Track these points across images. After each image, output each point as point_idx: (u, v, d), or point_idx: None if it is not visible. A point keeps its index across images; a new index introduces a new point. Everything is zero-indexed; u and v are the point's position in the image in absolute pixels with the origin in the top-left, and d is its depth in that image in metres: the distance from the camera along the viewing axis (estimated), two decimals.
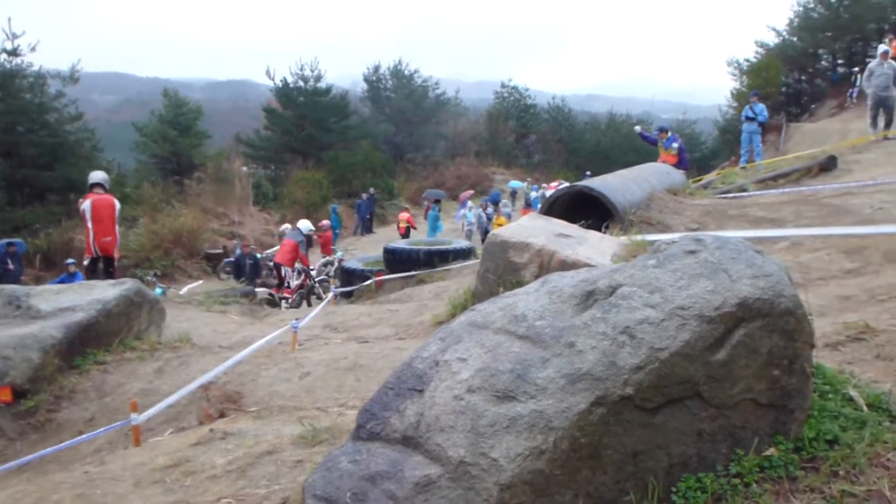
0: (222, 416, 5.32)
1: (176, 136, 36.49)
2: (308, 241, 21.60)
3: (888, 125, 17.52)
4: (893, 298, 5.48)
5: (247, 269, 19.59)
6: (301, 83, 44.24)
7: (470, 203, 29.91)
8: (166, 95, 38.24)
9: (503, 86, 60.76)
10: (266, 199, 36.61)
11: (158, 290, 16.68)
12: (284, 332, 7.73)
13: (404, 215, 28.25)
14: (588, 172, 33.83)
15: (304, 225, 18.21)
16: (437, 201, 29.05)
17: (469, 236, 25.65)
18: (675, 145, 16.84)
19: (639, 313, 2.65)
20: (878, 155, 15.10)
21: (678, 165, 15.93)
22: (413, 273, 13.05)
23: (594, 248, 7.33)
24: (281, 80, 44.63)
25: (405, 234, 26.35)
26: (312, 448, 3.80)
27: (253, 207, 34.41)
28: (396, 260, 13.86)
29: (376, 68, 54.27)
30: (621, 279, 2.88)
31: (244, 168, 38.93)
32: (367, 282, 13.80)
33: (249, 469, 3.67)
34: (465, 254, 13.74)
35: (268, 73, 44.52)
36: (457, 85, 62.14)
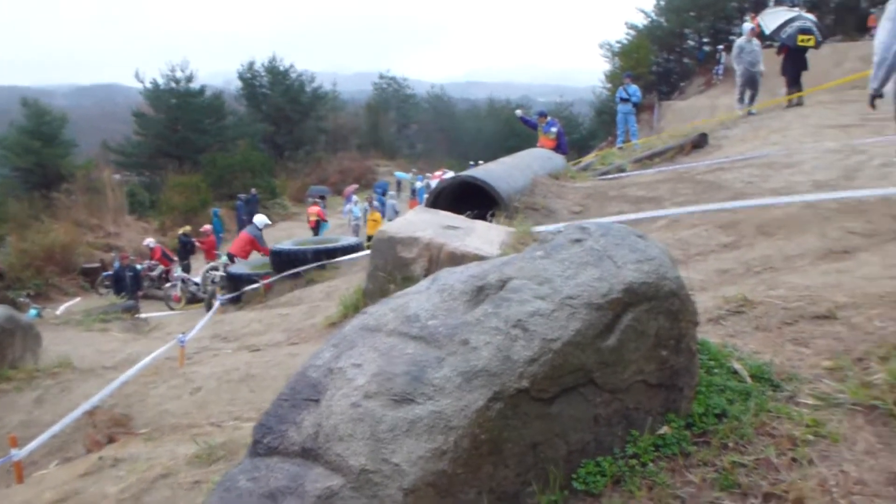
0: (111, 441, 5.13)
1: (40, 146, 34.97)
2: (191, 247, 21.01)
3: (752, 100, 18.31)
4: (768, 270, 5.74)
5: (127, 282, 18.94)
6: (173, 84, 43.00)
7: (355, 198, 29.75)
8: (26, 105, 36.52)
9: (381, 77, 60.73)
10: (142, 208, 35.52)
11: (33, 312, 15.95)
12: (171, 347, 7.50)
13: (314, 209, 27.78)
14: (472, 162, 34.17)
15: (260, 219, 17.97)
16: (322, 197, 28.77)
17: (356, 231, 25.53)
18: (554, 129, 17.09)
19: (530, 306, 2.67)
20: (746, 130, 15.78)
21: (557, 149, 16.19)
22: (300, 269, 12.86)
23: (482, 237, 7.39)
24: (151, 83, 43.29)
25: (315, 228, 25.91)
26: (209, 467, 3.69)
27: (129, 217, 33.27)
28: (283, 261, 13.62)
29: (251, 65, 53.07)
30: (511, 272, 2.89)
31: (116, 176, 37.49)
32: (255, 286, 13.52)
33: (144, 495, 3.53)
34: (353, 250, 13.64)
35: (137, 75, 43.14)
36: (334, 78, 61.50)
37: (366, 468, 2.38)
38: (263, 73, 53.13)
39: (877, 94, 5.95)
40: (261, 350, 7.28)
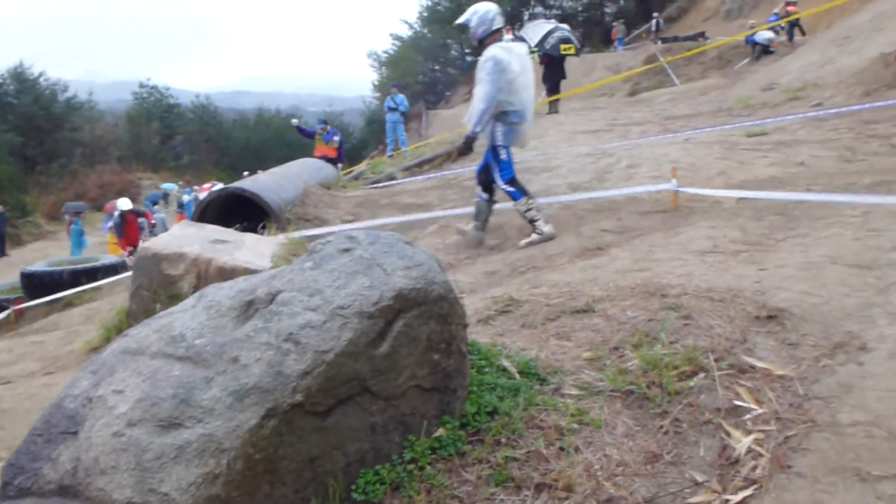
0: None
1: None
2: None
3: None
4: (531, 269, 6.03)
5: None
6: None
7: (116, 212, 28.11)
8: None
9: (142, 86, 57.92)
10: None
11: None
12: None
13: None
14: (246, 172, 33.41)
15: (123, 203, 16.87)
16: (78, 213, 26.98)
17: None
18: (336, 139, 17.24)
19: (301, 318, 2.63)
20: None
21: (337, 158, 16.37)
22: (58, 296, 11.97)
23: (253, 250, 7.23)
24: None
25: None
26: None
27: None
28: (37, 284, 12.65)
29: None
30: (280, 285, 2.83)
31: None
32: (3, 312, 12.43)
33: None
34: (115, 269, 12.90)
35: None
36: (89, 87, 57.88)
37: (132, 501, 2.25)
38: (10, 81, 48.99)
39: (473, 137, 6.90)
40: (12, 382, 6.69)
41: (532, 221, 7.04)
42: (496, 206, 7.55)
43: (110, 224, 24.49)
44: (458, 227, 7.76)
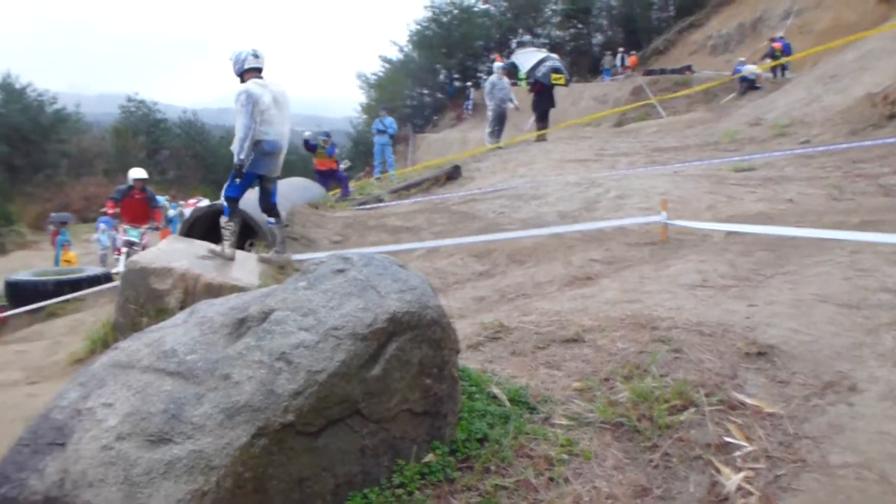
0: None
1: None
2: None
3: (500, 135, 19.30)
4: (520, 296, 6.02)
5: None
6: None
7: (102, 226, 27.92)
8: None
9: (129, 100, 57.78)
10: None
11: None
12: None
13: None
14: None
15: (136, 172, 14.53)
16: (64, 224, 26.78)
17: (103, 261, 24.00)
18: (337, 151, 17.41)
19: (294, 337, 2.61)
20: (495, 162, 16.54)
21: (336, 173, 16.54)
22: (42, 305, 11.84)
23: (241, 267, 7.20)
24: None
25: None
26: None
27: None
28: (20, 294, 12.50)
29: None
30: (273, 303, 2.82)
31: None
32: None
33: None
34: (100, 281, 12.78)
35: None
36: (77, 99, 57.61)
37: None
38: None
39: (240, 165, 7.31)
40: None
41: (223, 239, 7.59)
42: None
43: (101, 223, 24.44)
44: (261, 255, 8.09)
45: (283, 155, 7.58)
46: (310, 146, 18.11)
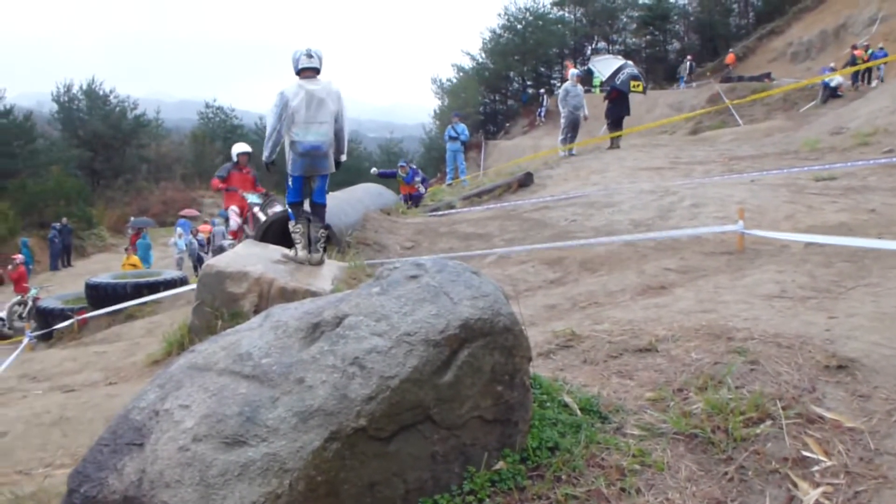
0: None
1: None
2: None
3: (573, 141, 19.18)
4: (592, 304, 5.97)
5: None
6: None
7: (179, 230, 28.62)
8: None
9: (207, 106, 59.20)
10: None
11: None
12: None
13: (206, 227, 26.74)
14: None
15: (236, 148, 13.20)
16: (142, 229, 27.56)
17: (179, 265, 24.59)
18: (418, 178, 17.69)
19: (367, 342, 2.63)
20: (568, 170, 16.45)
21: (417, 194, 16.98)
22: (121, 307, 12.18)
23: (314, 273, 7.30)
24: None
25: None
26: None
27: None
28: (100, 296, 12.89)
29: (68, 87, 50.24)
30: (347, 309, 2.85)
31: None
32: (68, 322, 12.69)
33: None
34: (176, 284, 13.10)
35: None
36: (157, 105, 59.21)
37: None
38: (81, 97, 50.43)
39: (268, 162, 7.57)
40: (75, 391, 6.82)
41: (294, 243, 7.75)
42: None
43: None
44: (284, 252, 7.99)
45: (325, 155, 7.47)
46: (387, 175, 18.37)
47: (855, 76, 26.25)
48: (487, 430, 2.81)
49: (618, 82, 19.92)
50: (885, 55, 25.65)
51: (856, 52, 26.67)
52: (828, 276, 5.61)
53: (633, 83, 19.52)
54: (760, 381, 3.42)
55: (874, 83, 25.96)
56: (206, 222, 29.76)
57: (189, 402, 2.61)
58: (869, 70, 26.40)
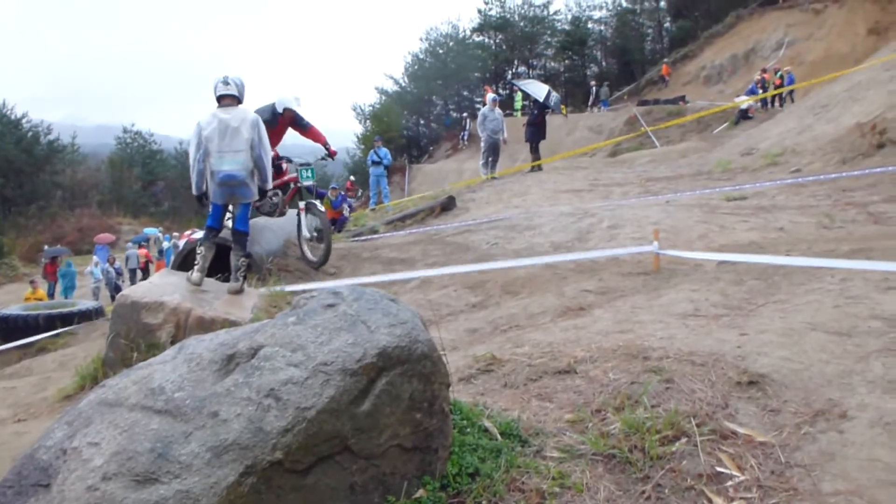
0: None
1: None
2: None
3: (494, 166, 19.39)
4: (513, 328, 6.01)
5: None
6: None
7: (96, 258, 27.91)
8: None
9: (125, 131, 58.11)
10: None
11: None
12: None
13: (142, 251, 26.26)
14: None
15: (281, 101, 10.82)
16: (56, 258, 26.77)
17: (96, 294, 23.95)
18: (345, 204, 17.96)
19: (283, 374, 2.60)
20: (490, 193, 16.60)
21: (341, 218, 17.17)
22: (31, 339, 11.74)
23: (233, 302, 7.18)
24: None
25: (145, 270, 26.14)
26: None
27: None
28: (10, 328, 12.42)
29: None
30: (262, 339, 2.81)
31: None
32: None
33: None
34: (92, 315, 12.72)
35: None
36: (73, 130, 57.83)
37: None
38: None
39: (199, 195, 7.58)
40: None
41: (193, 264, 7.66)
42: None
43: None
44: (190, 277, 7.76)
45: (242, 184, 7.43)
46: (318, 195, 18.47)
47: (764, 100, 27.26)
48: (407, 458, 2.79)
49: (551, 104, 20.29)
50: (793, 80, 26.75)
51: (765, 76, 27.72)
52: (739, 294, 5.76)
53: (562, 106, 20.07)
54: (676, 399, 3.48)
55: (784, 106, 27.03)
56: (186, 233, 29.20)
57: (98, 440, 2.52)
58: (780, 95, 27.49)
